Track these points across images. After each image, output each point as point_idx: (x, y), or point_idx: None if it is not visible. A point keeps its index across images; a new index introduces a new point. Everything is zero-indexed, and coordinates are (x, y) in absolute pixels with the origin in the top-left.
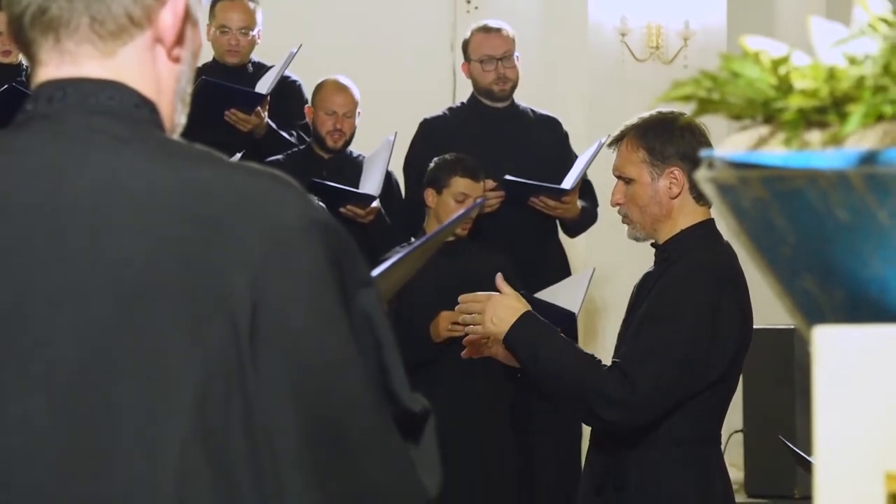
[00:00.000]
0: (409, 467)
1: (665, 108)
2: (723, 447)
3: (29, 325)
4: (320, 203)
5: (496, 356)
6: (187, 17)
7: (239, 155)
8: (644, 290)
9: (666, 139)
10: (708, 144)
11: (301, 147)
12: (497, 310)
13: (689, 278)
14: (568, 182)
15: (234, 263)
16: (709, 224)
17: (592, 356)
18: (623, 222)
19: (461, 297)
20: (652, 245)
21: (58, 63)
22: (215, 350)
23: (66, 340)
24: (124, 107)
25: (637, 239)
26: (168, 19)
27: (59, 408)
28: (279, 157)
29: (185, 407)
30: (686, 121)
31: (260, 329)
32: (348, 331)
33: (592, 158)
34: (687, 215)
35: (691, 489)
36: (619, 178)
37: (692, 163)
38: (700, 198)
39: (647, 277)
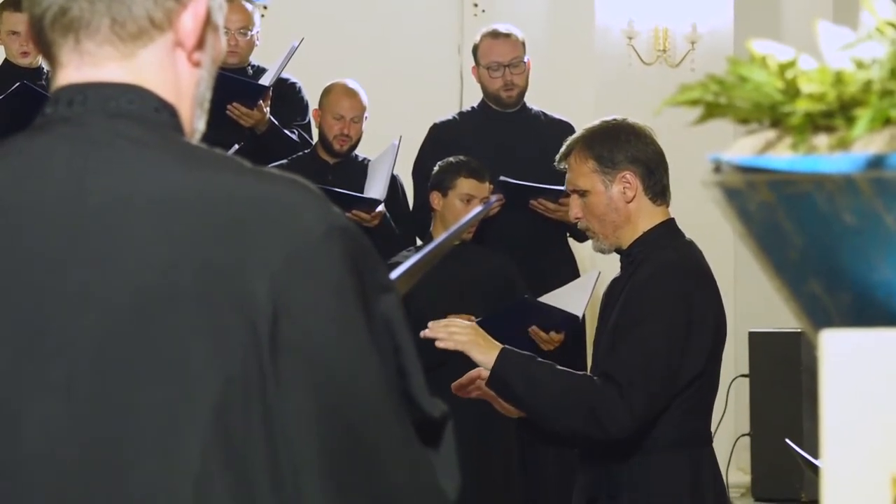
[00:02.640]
0: (428, 472)
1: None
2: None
3: (50, 329)
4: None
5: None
6: (208, 22)
7: (236, 146)
8: (613, 296)
9: (613, 145)
10: (655, 146)
11: (306, 151)
12: (481, 337)
13: (657, 277)
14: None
15: (254, 269)
16: (669, 223)
17: (585, 374)
18: (588, 236)
19: (432, 324)
20: (617, 251)
21: (78, 64)
22: (235, 356)
23: (86, 345)
24: (144, 110)
25: (603, 251)
26: (189, 23)
27: (79, 413)
28: (284, 161)
29: (204, 413)
30: (630, 125)
31: (280, 335)
32: (368, 337)
33: None
34: (646, 217)
35: (683, 490)
36: (573, 191)
37: (643, 165)
38: (656, 198)
39: (614, 283)
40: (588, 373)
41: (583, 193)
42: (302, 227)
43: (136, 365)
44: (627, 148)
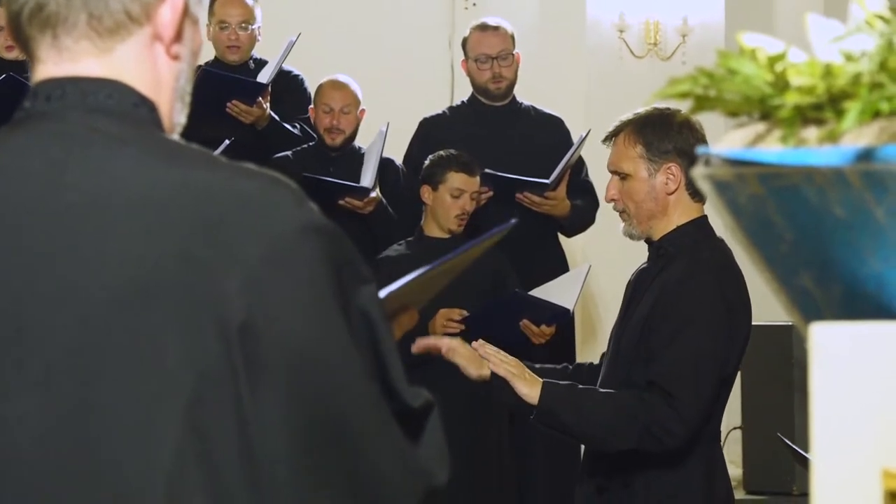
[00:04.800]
0: (411, 459)
1: (660, 105)
2: (721, 444)
3: (27, 325)
4: (316, 204)
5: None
6: (186, 14)
7: (227, 142)
8: (641, 287)
9: (663, 135)
10: (704, 141)
11: (310, 144)
12: (527, 371)
13: (695, 279)
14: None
15: (228, 265)
16: (703, 220)
17: (627, 392)
18: (621, 218)
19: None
20: (646, 241)
21: (56, 60)
22: (208, 352)
23: (62, 341)
24: (123, 106)
25: (632, 236)
26: (167, 15)
27: (55, 408)
28: (288, 153)
29: (178, 409)
30: (683, 117)
31: (253, 331)
32: (346, 330)
33: (574, 153)
34: (682, 212)
35: (695, 486)
36: (614, 172)
37: (689, 159)
38: (695, 195)
39: (642, 273)
40: (613, 378)
41: (623, 176)
42: (277, 224)
43: (111, 361)
44: (678, 139)
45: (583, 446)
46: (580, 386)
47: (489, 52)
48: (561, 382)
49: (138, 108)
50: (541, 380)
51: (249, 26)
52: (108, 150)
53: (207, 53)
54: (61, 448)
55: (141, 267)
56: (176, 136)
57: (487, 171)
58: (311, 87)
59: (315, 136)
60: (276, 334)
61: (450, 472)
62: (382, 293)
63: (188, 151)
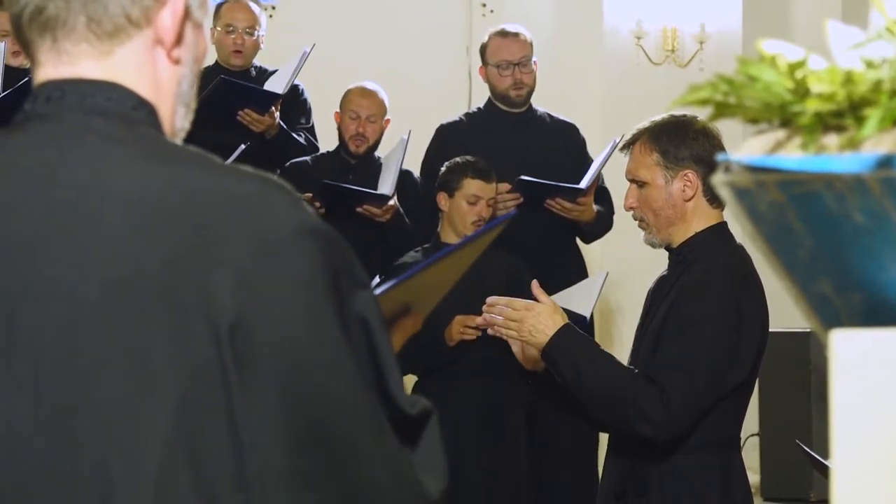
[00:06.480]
0: (405, 469)
1: (677, 112)
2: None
3: (16, 321)
4: (313, 208)
5: (515, 354)
6: (187, 18)
7: (242, 146)
8: (660, 294)
9: (680, 142)
10: (721, 147)
11: (329, 150)
12: (537, 321)
13: (709, 283)
14: (583, 182)
15: (219, 266)
16: (722, 226)
17: (632, 370)
18: (640, 227)
19: (493, 300)
20: (666, 248)
21: (55, 63)
22: (199, 353)
23: (51, 338)
24: (122, 108)
25: (653, 245)
26: (167, 19)
27: (43, 406)
28: (307, 158)
29: (167, 409)
30: (700, 124)
31: (245, 332)
32: (340, 334)
33: (607, 158)
34: (700, 218)
35: (713, 494)
36: (632, 181)
37: (706, 165)
38: (713, 200)
39: (662, 281)
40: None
41: (641, 184)
42: (270, 226)
43: (99, 360)
44: (694, 146)
45: (603, 455)
46: (596, 349)
47: (510, 58)
48: (579, 335)
49: (137, 110)
50: (560, 323)
51: (255, 32)
52: (103, 149)
53: (209, 57)
54: (48, 447)
55: (131, 266)
56: (179, 141)
57: (523, 178)
58: (325, 96)
59: (317, 146)
60: (268, 336)
61: (446, 483)
62: (378, 291)
63: (184, 153)
